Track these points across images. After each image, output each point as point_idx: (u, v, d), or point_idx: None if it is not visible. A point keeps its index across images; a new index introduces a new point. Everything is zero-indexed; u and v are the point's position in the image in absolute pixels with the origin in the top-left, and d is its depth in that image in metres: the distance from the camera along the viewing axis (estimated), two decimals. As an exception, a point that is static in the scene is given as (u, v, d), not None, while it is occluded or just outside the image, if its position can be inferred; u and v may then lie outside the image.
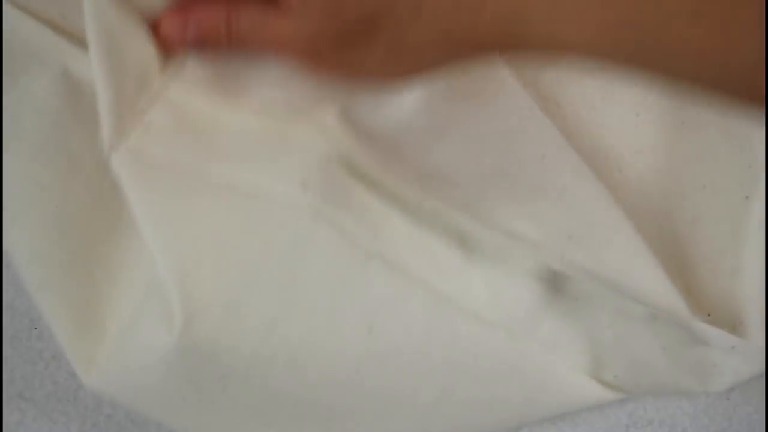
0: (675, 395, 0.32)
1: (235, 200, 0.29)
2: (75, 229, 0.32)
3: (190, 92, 0.30)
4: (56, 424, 0.33)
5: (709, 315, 0.31)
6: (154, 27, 0.30)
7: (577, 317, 0.30)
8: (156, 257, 0.28)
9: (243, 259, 0.29)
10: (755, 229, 0.32)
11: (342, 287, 0.30)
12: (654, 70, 0.25)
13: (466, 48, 0.27)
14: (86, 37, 0.30)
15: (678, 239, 0.33)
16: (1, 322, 0.34)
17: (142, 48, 0.30)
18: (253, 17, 0.28)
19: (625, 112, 0.34)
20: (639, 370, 0.31)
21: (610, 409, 0.34)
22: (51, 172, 0.32)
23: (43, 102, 0.32)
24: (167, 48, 0.30)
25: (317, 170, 0.29)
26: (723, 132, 0.34)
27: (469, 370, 0.30)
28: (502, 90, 0.32)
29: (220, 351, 0.29)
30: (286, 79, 0.30)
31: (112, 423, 0.33)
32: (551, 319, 0.30)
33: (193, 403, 0.31)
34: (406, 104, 0.32)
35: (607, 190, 0.32)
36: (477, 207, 0.30)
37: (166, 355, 0.29)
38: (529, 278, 0.30)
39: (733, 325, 0.31)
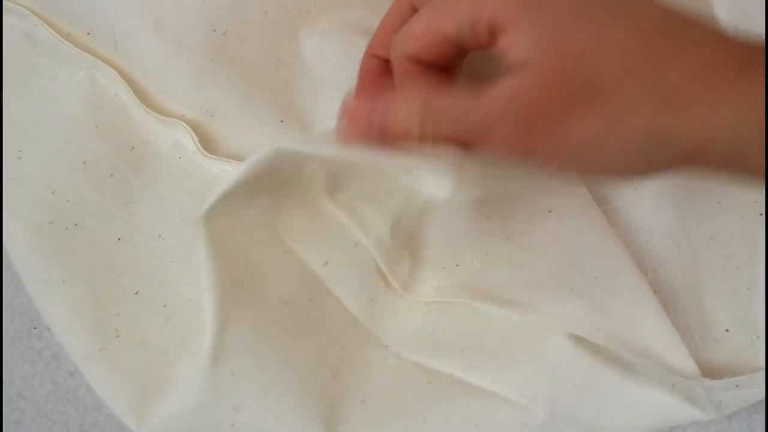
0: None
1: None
2: (80, 233, 0.32)
3: None
4: (56, 423, 0.32)
5: (727, 330, 0.32)
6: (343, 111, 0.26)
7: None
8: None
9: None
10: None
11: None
12: None
13: (681, 153, 0.23)
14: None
15: (696, 256, 0.33)
16: (0, 322, 0.33)
17: None
18: (454, 100, 0.24)
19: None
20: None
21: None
22: (63, 176, 0.32)
23: (67, 109, 0.33)
24: (349, 141, 0.26)
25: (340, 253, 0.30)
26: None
27: None
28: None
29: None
30: None
31: (112, 423, 0.33)
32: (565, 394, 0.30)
33: None
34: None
35: (615, 234, 0.31)
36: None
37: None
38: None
39: (750, 340, 0.31)
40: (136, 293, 0.31)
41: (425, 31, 0.25)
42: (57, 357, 0.33)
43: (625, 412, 0.30)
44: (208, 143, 0.33)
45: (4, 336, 0.33)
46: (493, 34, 0.24)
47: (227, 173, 0.33)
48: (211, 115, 0.34)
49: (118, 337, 0.30)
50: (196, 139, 0.33)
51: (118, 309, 0.31)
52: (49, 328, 0.33)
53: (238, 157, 0.33)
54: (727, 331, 0.32)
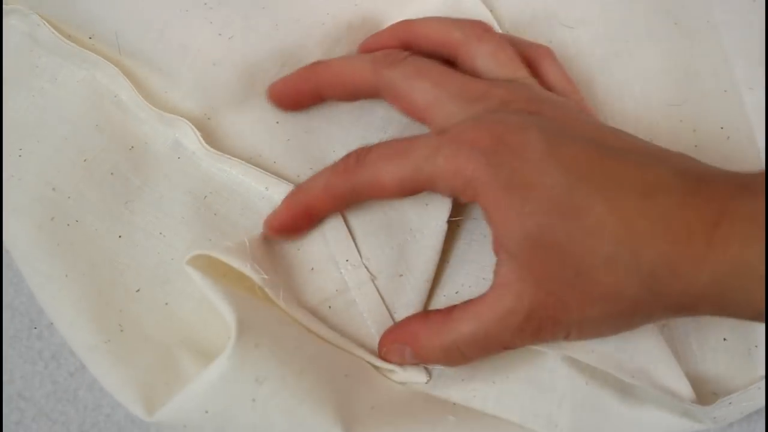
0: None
1: None
2: (81, 230, 0.32)
3: None
4: (56, 423, 0.32)
5: (725, 339, 0.32)
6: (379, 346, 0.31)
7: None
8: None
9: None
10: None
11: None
12: None
13: (678, 309, 0.26)
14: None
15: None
16: (0, 322, 0.33)
17: None
18: (474, 336, 0.28)
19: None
20: None
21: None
22: (64, 174, 0.32)
23: (67, 109, 0.33)
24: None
25: None
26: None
27: None
28: None
29: None
30: None
31: (112, 423, 0.32)
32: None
33: None
34: None
35: None
36: None
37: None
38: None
39: (748, 350, 0.31)
40: (138, 291, 0.31)
41: (399, 182, 0.28)
42: (57, 357, 0.33)
43: (625, 428, 0.30)
44: (206, 142, 0.33)
45: (4, 336, 0.33)
46: (471, 199, 0.27)
47: (225, 173, 0.33)
48: (208, 118, 0.34)
49: (122, 331, 0.30)
50: (198, 134, 0.32)
51: (121, 306, 0.31)
52: (49, 328, 0.33)
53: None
54: (724, 339, 0.32)
